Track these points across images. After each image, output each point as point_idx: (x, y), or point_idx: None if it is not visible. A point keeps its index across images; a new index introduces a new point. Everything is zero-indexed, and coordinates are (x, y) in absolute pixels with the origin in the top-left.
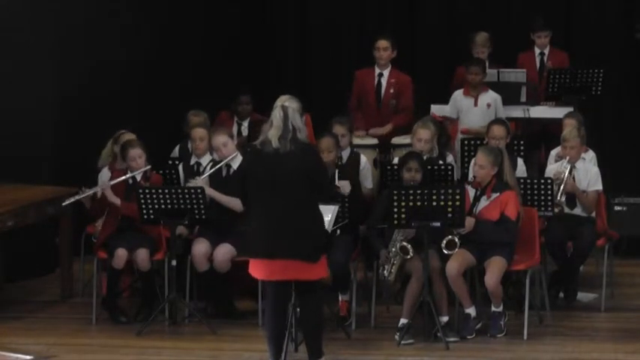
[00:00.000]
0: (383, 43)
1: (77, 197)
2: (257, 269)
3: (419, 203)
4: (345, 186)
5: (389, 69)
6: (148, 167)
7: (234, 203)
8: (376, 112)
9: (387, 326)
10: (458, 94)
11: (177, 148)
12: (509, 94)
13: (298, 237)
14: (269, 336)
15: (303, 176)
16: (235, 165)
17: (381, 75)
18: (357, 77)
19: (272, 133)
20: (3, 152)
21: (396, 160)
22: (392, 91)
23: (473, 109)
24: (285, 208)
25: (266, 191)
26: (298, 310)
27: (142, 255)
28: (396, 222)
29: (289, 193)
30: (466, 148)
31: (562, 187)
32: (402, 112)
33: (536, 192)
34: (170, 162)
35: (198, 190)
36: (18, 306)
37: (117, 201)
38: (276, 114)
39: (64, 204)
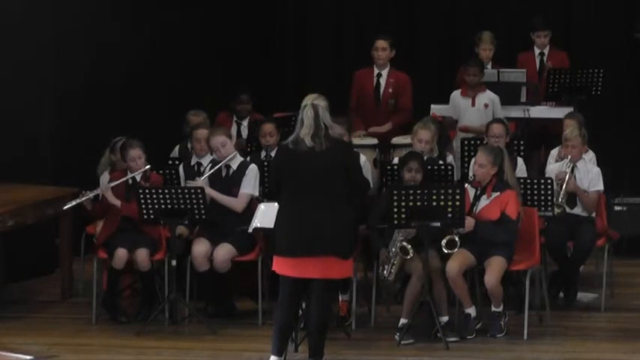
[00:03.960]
0: (381, 44)
1: (78, 200)
2: (287, 267)
3: (419, 203)
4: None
5: (387, 69)
6: (148, 167)
7: (234, 203)
8: (374, 111)
9: (387, 326)
10: (456, 94)
11: (176, 149)
12: (509, 94)
13: (334, 234)
14: (278, 330)
15: (338, 172)
16: (235, 165)
17: (379, 75)
18: (356, 77)
19: (304, 132)
20: (3, 153)
21: (396, 160)
22: (391, 90)
23: (470, 109)
24: (321, 205)
25: (301, 189)
26: (301, 309)
27: (142, 255)
28: (396, 222)
29: (324, 190)
30: (466, 147)
31: (564, 187)
32: (401, 112)
33: (536, 192)
34: (170, 162)
35: (198, 190)
36: (18, 306)
37: (117, 202)
38: (307, 112)
39: (65, 207)
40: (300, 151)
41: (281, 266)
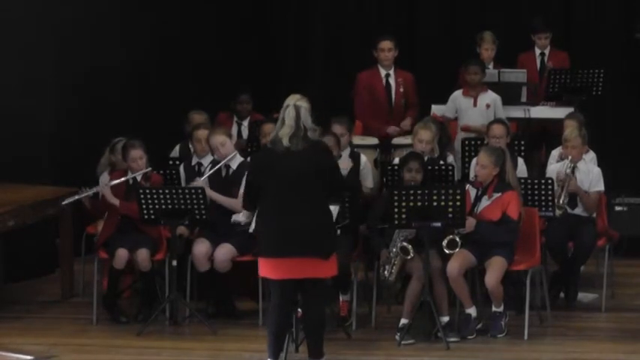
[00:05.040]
0: (387, 44)
1: (76, 197)
2: (269, 269)
3: (419, 203)
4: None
5: (393, 68)
6: (149, 169)
7: (234, 204)
8: (387, 112)
9: (387, 326)
10: (458, 94)
11: (177, 148)
12: (509, 94)
13: (312, 234)
14: (273, 334)
15: (315, 173)
16: (234, 165)
17: (388, 75)
18: (361, 79)
19: (284, 131)
20: (3, 152)
21: (396, 161)
22: (402, 90)
23: (472, 109)
24: (299, 206)
25: (279, 190)
26: (299, 309)
27: (143, 255)
28: (396, 222)
29: (302, 190)
30: (467, 148)
31: (565, 188)
32: (413, 108)
33: (536, 192)
34: (170, 162)
35: (199, 191)
36: (18, 306)
37: (116, 202)
38: (289, 113)
39: (63, 203)
40: (277, 152)
41: (264, 268)
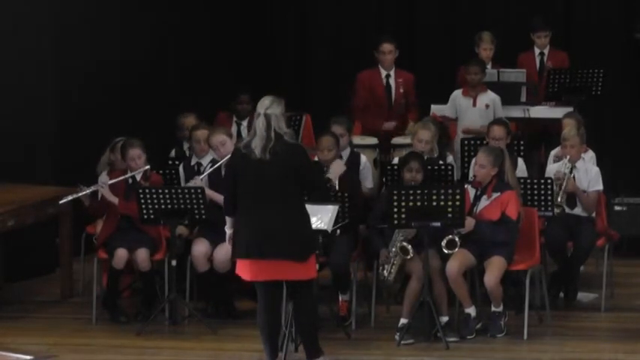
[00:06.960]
0: (388, 47)
1: (75, 195)
2: (245, 270)
3: (419, 203)
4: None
5: (394, 69)
6: (147, 167)
7: None
8: (387, 113)
9: (387, 326)
10: (457, 93)
11: (172, 152)
12: (509, 94)
13: (286, 237)
14: (264, 336)
15: (291, 176)
16: None
17: (388, 76)
18: (360, 80)
19: (255, 143)
20: (3, 153)
21: (396, 160)
22: (402, 90)
23: (471, 110)
24: (273, 209)
25: (254, 192)
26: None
27: (142, 255)
28: (396, 222)
29: (277, 193)
30: (466, 148)
31: (563, 187)
32: (414, 108)
33: (536, 192)
34: (170, 162)
35: (198, 190)
36: (18, 306)
37: (115, 200)
38: (259, 123)
39: (61, 202)
40: (251, 158)
41: (243, 269)
